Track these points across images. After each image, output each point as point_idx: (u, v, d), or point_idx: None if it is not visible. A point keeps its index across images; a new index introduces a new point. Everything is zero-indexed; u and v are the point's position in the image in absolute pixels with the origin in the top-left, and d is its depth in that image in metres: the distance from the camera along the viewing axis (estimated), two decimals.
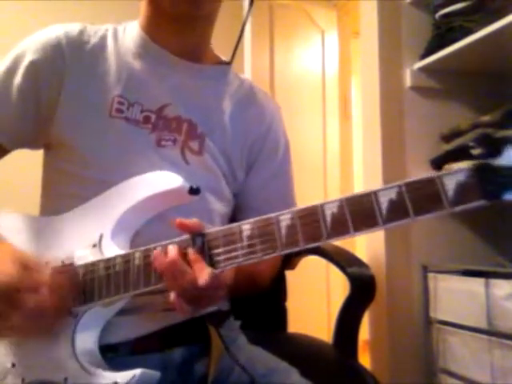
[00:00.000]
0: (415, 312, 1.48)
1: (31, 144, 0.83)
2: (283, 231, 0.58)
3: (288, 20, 2.54)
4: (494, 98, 1.50)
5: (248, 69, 2.35)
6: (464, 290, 1.30)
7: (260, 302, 1.04)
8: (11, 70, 0.78)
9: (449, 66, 1.48)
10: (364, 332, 1.34)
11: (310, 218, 0.57)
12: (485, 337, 1.23)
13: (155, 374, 0.64)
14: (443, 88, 1.54)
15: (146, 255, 0.64)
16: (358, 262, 1.14)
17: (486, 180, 0.51)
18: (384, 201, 0.55)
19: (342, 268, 1.12)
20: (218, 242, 0.61)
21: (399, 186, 0.54)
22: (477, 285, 1.26)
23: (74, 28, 0.80)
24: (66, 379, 0.64)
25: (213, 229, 0.63)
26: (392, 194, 0.54)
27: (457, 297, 1.33)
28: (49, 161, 0.82)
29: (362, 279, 1.13)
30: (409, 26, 1.55)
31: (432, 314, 1.42)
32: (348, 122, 2.70)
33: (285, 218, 0.58)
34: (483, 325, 1.23)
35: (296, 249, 0.58)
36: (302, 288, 2.01)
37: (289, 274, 1.38)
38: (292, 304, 1.34)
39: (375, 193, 0.55)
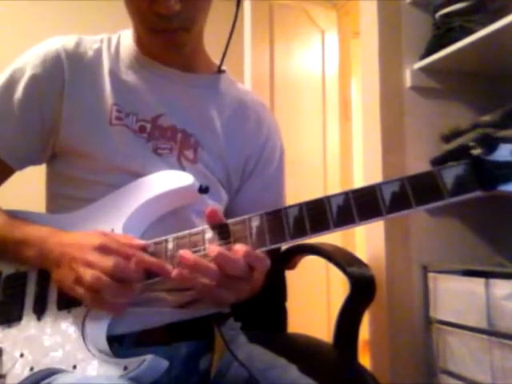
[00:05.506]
0: (415, 312, 1.48)
1: (35, 160, 0.83)
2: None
3: (288, 20, 2.54)
4: (493, 98, 1.50)
5: (248, 69, 2.35)
6: (464, 289, 1.30)
7: (260, 303, 1.04)
8: (10, 86, 0.78)
9: (449, 66, 1.48)
10: (364, 332, 1.34)
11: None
12: (485, 337, 1.23)
13: (164, 363, 0.64)
14: (443, 88, 1.54)
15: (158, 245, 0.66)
16: (358, 262, 1.14)
17: (481, 173, 0.58)
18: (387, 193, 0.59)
19: (342, 268, 1.12)
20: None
21: (401, 180, 0.59)
22: (477, 285, 1.26)
23: (70, 41, 0.81)
24: (74, 366, 0.64)
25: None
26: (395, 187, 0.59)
27: (457, 297, 1.32)
28: (53, 168, 0.83)
29: (362, 279, 1.13)
30: (409, 26, 1.55)
31: (432, 314, 1.42)
32: (348, 123, 2.70)
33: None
34: (483, 325, 1.23)
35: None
36: (302, 288, 2.01)
37: (289, 274, 1.38)
38: (292, 304, 1.34)
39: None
